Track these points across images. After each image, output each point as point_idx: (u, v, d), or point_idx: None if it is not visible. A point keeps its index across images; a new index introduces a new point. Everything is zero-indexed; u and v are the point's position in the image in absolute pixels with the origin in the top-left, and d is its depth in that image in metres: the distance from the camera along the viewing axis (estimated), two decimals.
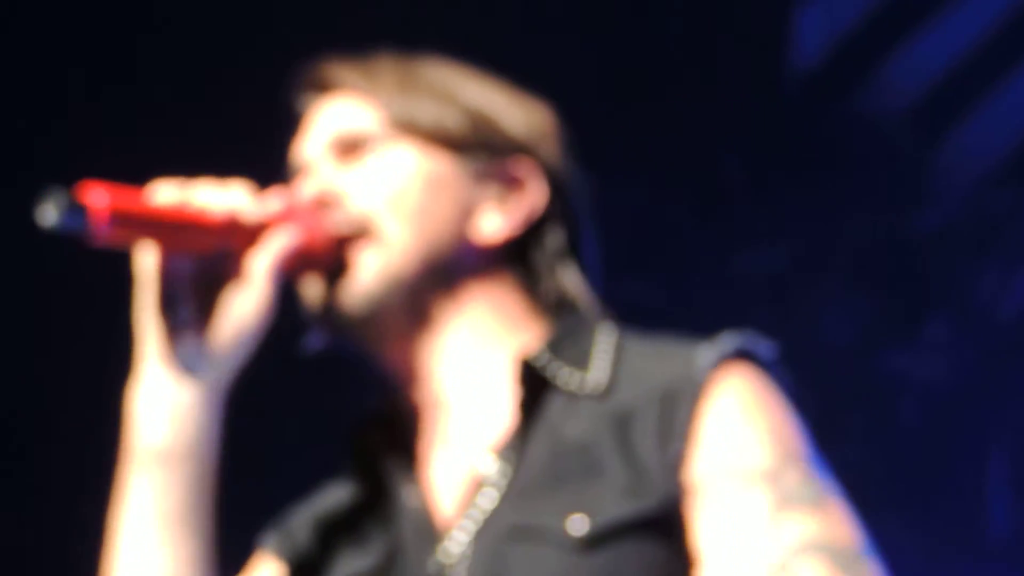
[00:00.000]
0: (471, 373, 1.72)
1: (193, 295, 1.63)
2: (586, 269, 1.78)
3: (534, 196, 1.74)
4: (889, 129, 4.21)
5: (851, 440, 3.96)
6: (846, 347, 4.19)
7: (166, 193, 1.61)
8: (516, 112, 1.80)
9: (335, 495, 1.80)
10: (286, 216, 1.66)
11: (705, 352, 1.61)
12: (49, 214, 1.50)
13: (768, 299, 3.96)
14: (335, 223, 1.68)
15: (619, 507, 1.56)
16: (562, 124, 1.80)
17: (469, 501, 1.65)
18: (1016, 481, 4.38)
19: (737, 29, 4.20)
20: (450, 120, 1.75)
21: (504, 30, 4.03)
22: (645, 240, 3.83)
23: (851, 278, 4.14)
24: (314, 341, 1.75)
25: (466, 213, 1.74)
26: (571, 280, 1.76)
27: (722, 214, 4.03)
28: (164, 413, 1.63)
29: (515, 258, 1.75)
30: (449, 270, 1.72)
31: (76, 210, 1.53)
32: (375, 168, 1.73)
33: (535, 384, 1.66)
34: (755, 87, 4.16)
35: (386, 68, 1.79)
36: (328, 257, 1.68)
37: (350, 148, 1.74)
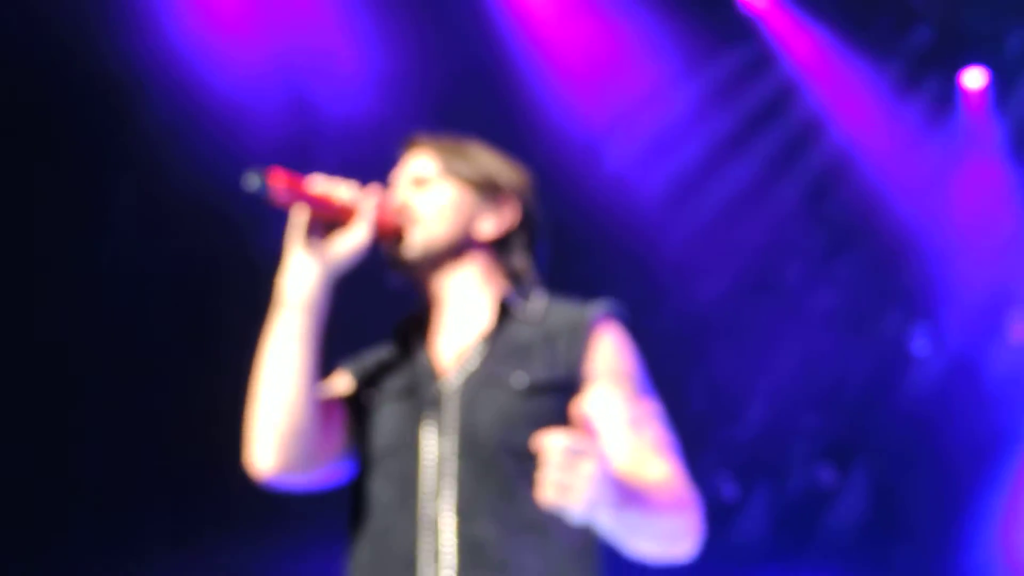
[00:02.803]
0: (464, 299, 2.64)
1: (320, 230, 2.52)
2: (537, 260, 2.74)
3: (513, 214, 2.70)
4: None
5: None
6: None
7: (320, 182, 2.54)
8: (509, 172, 2.74)
9: (384, 351, 2.70)
10: (381, 206, 2.57)
11: (595, 308, 2.59)
12: (250, 183, 2.38)
13: None
14: (406, 216, 2.63)
15: (543, 372, 2.49)
16: (535, 180, 2.79)
17: (462, 362, 2.56)
18: None
19: None
20: (471, 173, 2.70)
21: None
22: None
23: None
24: (391, 280, 2.69)
25: (473, 220, 2.67)
26: (526, 263, 2.71)
27: None
28: (301, 282, 2.50)
29: (500, 248, 2.69)
30: (459, 247, 2.64)
31: (264, 180, 2.39)
32: (429, 194, 2.68)
33: (503, 312, 2.62)
34: None
35: (445, 142, 2.75)
36: (398, 231, 2.62)
37: (419, 181, 2.70)
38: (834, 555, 7.48)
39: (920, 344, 7.77)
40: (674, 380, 7.06)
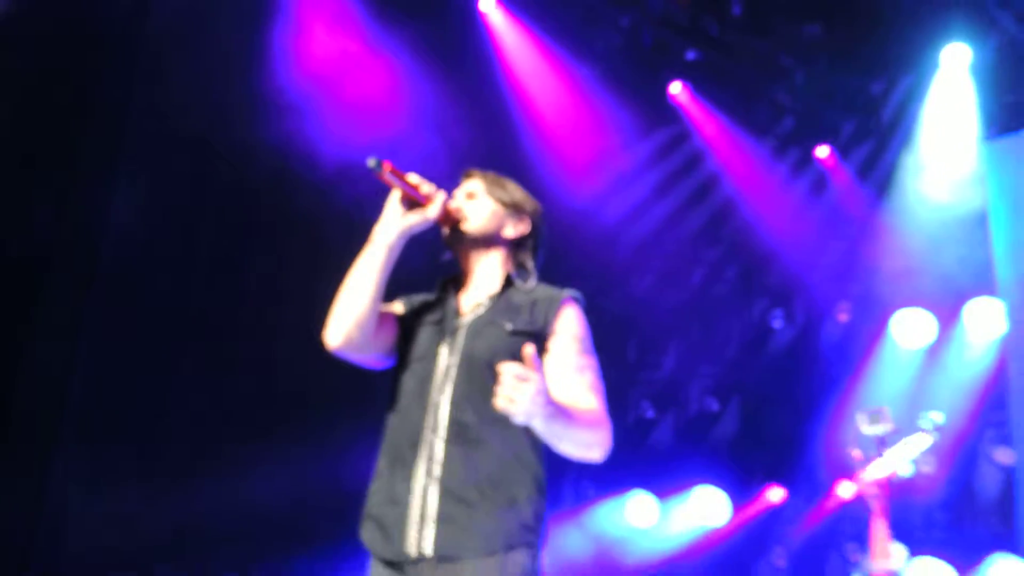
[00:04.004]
0: (486, 272, 2.89)
1: (406, 204, 2.79)
2: (536, 258, 2.96)
3: (526, 227, 2.94)
4: None
5: None
6: None
7: (413, 176, 2.79)
8: (529, 201, 2.98)
9: (430, 295, 2.94)
10: (447, 203, 2.84)
11: (566, 293, 2.79)
12: (370, 163, 2.66)
13: None
14: (460, 214, 2.89)
15: (525, 324, 2.74)
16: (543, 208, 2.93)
17: (476, 309, 2.81)
18: None
19: None
20: (504, 196, 2.94)
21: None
22: None
23: None
24: (446, 255, 2.95)
25: (503, 225, 2.92)
26: (529, 259, 2.95)
27: None
28: (388, 231, 2.78)
29: (515, 246, 2.93)
30: (491, 240, 2.91)
31: (379, 165, 2.68)
32: (477, 204, 2.93)
33: (507, 282, 2.85)
34: None
35: (491, 175, 3.00)
36: (454, 222, 2.88)
37: (470, 195, 2.95)
38: (717, 457, 8.39)
39: (778, 321, 8.67)
40: (617, 342, 8.08)
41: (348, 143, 5.91)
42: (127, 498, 5.25)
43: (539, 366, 2.35)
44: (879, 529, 4.46)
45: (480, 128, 6.69)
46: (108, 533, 5.18)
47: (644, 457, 8.10)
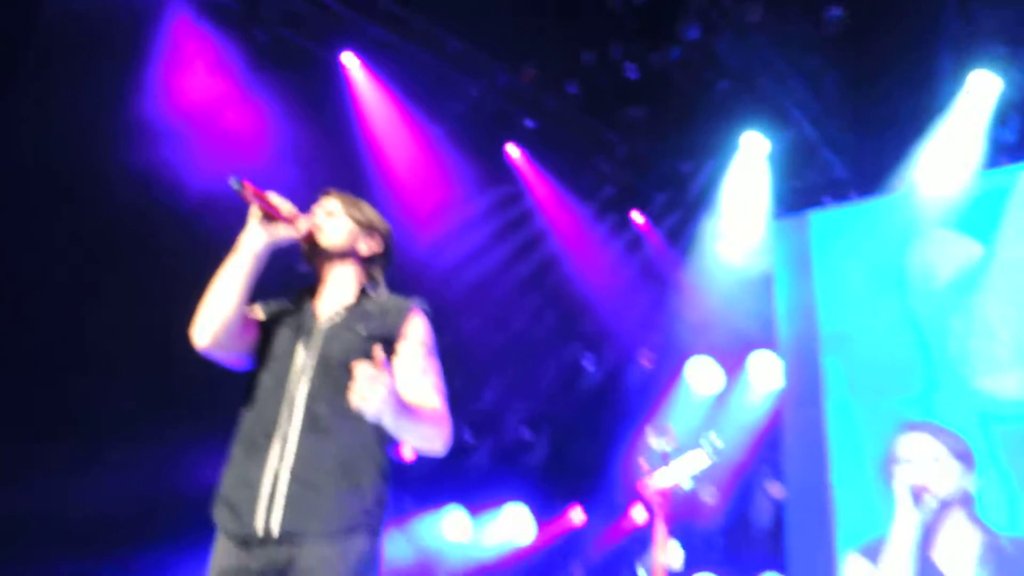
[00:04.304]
0: (341, 283, 2.97)
1: (267, 220, 2.84)
2: (386, 273, 3.07)
3: (378, 244, 3.03)
4: None
5: None
6: None
7: (273, 196, 2.87)
8: (381, 222, 3.06)
9: (287, 303, 3.00)
10: (309, 221, 2.92)
11: (413, 302, 2.92)
12: (232, 183, 2.72)
13: None
14: (319, 230, 2.98)
15: (376, 328, 2.84)
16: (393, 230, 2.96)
17: (332, 316, 2.88)
18: None
19: None
20: (360, 216, 3.02)
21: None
22: None
23: None
24: (302, 266, 3.02)
25: (358, 241, 3.00)
26: (380, 273, 3.06)
27: None
28: (255, 240, 2.84)
29: (367, 261, 3.02)
30: (345, 255, 2.99)
31: (240, 185, 2.73)
32: (335, 222, 3.00)
33: (362, 294, 2.94)
34: None
35: (348, 196, 3.07)
36: (313, 237, 2.96)
37: (329, 213, 3.01)
38: (528, 480, 8.86)
39: (589, 363, 9.17)
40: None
41: (213, 174, 5.92)
42: None
43: (389, 367, 2.51)
44: (660, 529, 4.77)
45: (336, 169, 6.93)
46: None
47: (462, 477, 8.45)
